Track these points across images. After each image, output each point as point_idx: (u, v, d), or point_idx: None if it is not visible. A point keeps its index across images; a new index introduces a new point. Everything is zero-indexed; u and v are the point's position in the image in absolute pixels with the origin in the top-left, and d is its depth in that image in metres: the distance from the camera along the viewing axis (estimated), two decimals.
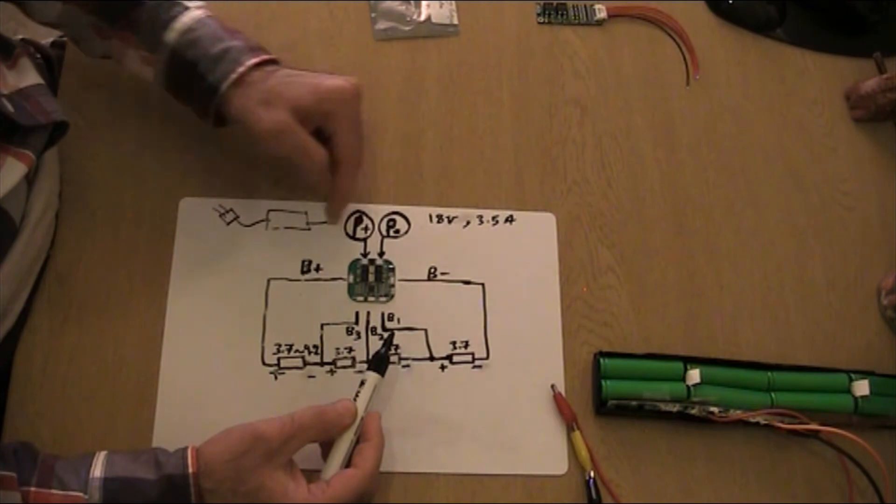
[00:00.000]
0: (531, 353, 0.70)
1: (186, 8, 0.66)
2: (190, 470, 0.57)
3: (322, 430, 0.61)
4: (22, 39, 0.76)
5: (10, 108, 0.60)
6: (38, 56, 0.78)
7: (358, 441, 0.62)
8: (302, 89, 0.65)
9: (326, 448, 0.62)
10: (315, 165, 0.66)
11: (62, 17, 0.68)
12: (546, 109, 0.80)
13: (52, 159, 0.69)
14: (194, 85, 0.65)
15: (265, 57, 0.66)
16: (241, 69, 0.64)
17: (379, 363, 0.66)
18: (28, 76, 0.66)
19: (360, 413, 0.62)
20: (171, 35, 0.65)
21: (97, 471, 0.56)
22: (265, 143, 0.65)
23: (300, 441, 0.59)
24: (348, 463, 0.61)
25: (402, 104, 0.79)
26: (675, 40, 0.86)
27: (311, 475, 0.61)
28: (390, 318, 0.70)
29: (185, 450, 0.58)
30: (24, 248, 0.64)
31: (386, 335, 0.69)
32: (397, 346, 0.69)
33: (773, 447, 0.70)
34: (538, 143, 0.79)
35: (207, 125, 0.68)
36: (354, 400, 0.63)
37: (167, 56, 0.65)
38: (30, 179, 0.66)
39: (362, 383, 0.64)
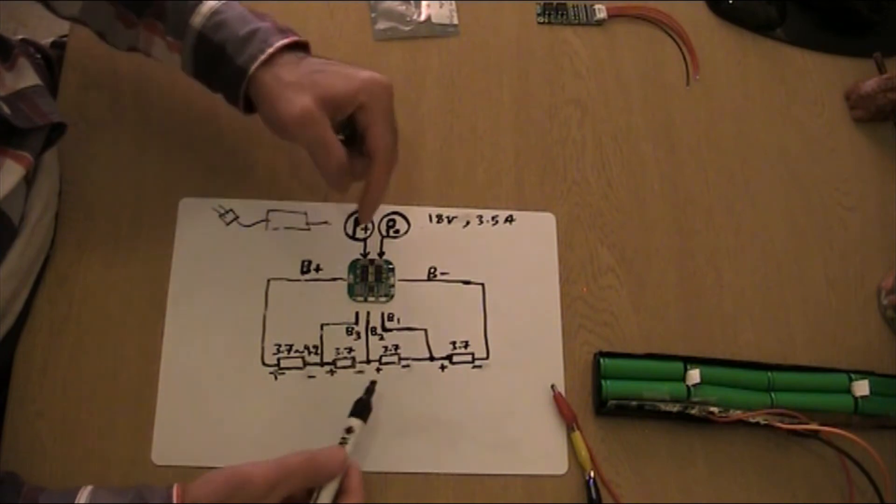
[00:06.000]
0: (531, 353, 0.70)
1: None
2: (175, 500, 0.55)
3: (311, 475, 0.58)
4: (21, 39, 0.76)
5: (7, 110, 0.59)
6: (38, 56, 0.78)
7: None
8: (336, 78, 0.62)
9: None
10: (332, 164, 0.63)
11: (86, 11, 0.68)
12: (546, 110, 0.80)
13: (52, 159, 0.69)
14: (223, 68, 0.64)
15: (294, 38, 0.64)
16: (270, 49, 0.62)
17: (362, 409, 0.64)
18: (26, 77, 0.65)
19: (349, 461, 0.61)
20: (198, 19, 0.63)
21: None
22: (288, 128, 0.62)
23: (288, 487, 0.57)
24: None
25: (402, 104, 0.78)
26: (675, 40, 0.86)
27: None
28: (390, 318, 0.70)
29: (170, 486, 0.56)
30: (23, 248, 0.64)
31: (368, 383, 0.66)
32: (397, 346, 0.69)
33: (773, 447, 0.70)
34: (538, 143, 0.79)
35: (237, 111, 0.65)
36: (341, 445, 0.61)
37: (194, 40, 0.64)
38: (29, 180, 0.66)
39: (349, 430, 0.62)
